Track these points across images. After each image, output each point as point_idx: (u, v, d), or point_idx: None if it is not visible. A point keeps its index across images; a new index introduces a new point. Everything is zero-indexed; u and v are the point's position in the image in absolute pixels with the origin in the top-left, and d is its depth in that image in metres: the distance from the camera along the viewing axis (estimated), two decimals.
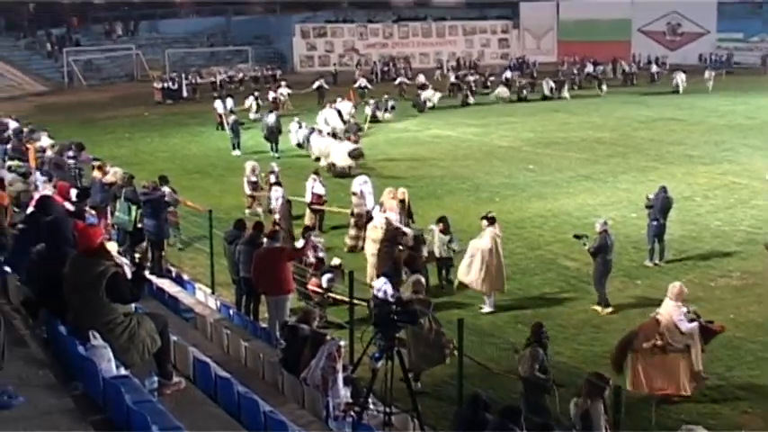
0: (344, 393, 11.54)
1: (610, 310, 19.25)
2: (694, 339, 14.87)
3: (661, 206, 22.78)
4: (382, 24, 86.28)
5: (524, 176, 33.27)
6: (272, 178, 27.32)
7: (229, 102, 47.44)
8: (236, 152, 38.72)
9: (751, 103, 53.75)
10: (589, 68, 67.94)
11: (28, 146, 29.25)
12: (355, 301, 16.20)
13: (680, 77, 60.92)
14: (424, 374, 15.48)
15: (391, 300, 15.37)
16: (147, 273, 12.08)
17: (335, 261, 20.34)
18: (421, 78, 61.92)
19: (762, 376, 15.90)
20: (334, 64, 76.64)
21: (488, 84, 60.81)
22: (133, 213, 20.71)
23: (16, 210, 15.64)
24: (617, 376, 14.28)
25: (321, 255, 20.73)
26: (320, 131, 37.58)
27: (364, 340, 11.94)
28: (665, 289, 20.43)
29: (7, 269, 10.93)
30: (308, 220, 25.48)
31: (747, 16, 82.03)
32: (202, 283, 19.84)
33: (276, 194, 25.49)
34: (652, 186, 25.07)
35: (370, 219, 23.22)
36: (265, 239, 17.52)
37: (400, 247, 20.19)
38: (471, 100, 56.64)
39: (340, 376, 11.35)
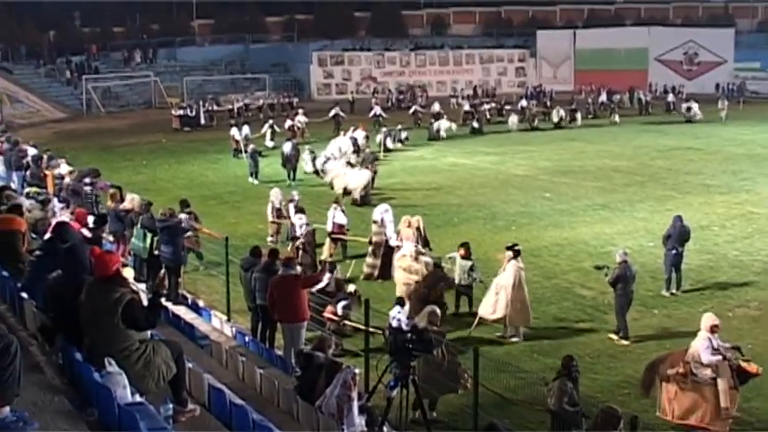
0: (359, 422, 11.50)
1: (626, 343, 19.14)
2: (720, 373, 14.69)
3: (678, 235, 22.71)
4: (399, 53, 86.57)
5: (541, 205, 33.23)
6: (292, 207, 27.18)
7: (246, 129, 47.53)
8: (254, 180, 38.75)
9: None
10: (603, 97, 67.80)
11: (46, 172, 29.39)
12: (371, 329, 16.20)
13: (695, 107, 60.86)
14: (440, 403, 15.42)
15: (407, 328, 15.36)
16: (163, 300, 12.09)
17: (351, 288, 20.32)
18: (436, 107, 61.95)
19: None
20: (352, 92, 76.75)
21: (504, 112, 60.74)
22: (148, 241, 20.75)
23: (34, 236, 15.66)
24: (645, 398, 14.24)
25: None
26: (348, 162, 37.56)
27: (379, 368, 11.92)
28: (681, 319, 20.52)
29: (24, 295, 10.95)
30: (327, 250, 25.40)
31: (765, 46, 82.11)
32: (218, 310, 19.86)
33: (300, 221, 25.37)
34: (669, 216, 25.01)
35: (389, 247, 23.25)
36: (281, 267, 17.51)
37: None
38: (476, 125, 56.57)
39: (355, 404, 11.32)
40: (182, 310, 18.30)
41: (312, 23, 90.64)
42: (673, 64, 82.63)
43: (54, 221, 16.42)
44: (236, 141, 46.39)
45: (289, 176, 38.48)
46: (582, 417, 13.28)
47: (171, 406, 9.00)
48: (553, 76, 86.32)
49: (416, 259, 20.37)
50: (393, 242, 23.30)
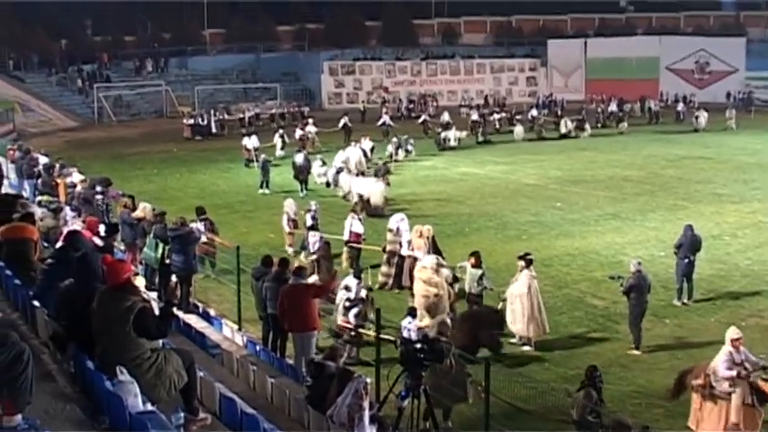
0: (370, 431, 11.48)
1: (638, 353, 19.12)
2: (735, 388, 14.60)
3: (690, 244, 22.68)
4: (410, 62, 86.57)
5: (551, 214, 33.20)
6: (309, 217, 27.17)
7: (254, 139, 47.56)
8: (265, 190, 38.75)
9: None
10: (612, 107, 67.63)
11: (58, 181, 29.47)
12: (384, 338, 16.19)
13: (703, 116, 60.77)
14: (453, 413, 15.37)
15: (417, 338, 15.35)
16: (175, 309, 12.10)
17: (362, 293, 20.22)
18: (445, 117, 61.81)
19: None
20: (363, 101, 76.76)
21: (514, 122, 60.56)
22: (160, 250, 20.78)
23: (46, 245, 15.71)
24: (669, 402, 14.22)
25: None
26: (349, 170, 37.58)
27: (390, 378, 11.91)
28: (693, 328, 20.48)
29: (36, 303, 10.96)
30: (345, 259, 25.38)
31: None
32: (229, 319, 19.86)
33: (314, 239, 25.34)
34: (680, 225, 24.97)
35: (402, 257, 23.20)
36: (291, 276, 17.52)
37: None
38: (481, 138, 56.54)
39: (366, 414, 11.30)
40: (193, 319, 18.32)
41: (323, 33, 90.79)
42: (684, 73, 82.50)
43: (66, 230, 16.47)
44: (248, 151, 46.45)
45: (301, 188, 38.24)
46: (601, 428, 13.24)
47: (182, 415, 9.00)
48: (564, 85, 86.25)
49: (437, 272, 20.25)
50: (404, 251, 23.27)
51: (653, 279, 22.85)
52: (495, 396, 13.89)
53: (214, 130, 63.89)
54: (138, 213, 23.29)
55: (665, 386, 17.01)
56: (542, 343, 19.86)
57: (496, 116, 64.33)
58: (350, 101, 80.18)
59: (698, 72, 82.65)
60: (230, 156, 49.37)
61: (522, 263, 20.19)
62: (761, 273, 25.19)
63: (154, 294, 19.33)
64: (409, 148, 49.29)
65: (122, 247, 22.66)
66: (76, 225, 19.07)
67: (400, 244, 23.79)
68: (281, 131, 51.36)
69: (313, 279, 19.44)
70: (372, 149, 46.09)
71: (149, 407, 8.43)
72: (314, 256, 23.68)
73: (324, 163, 40.08)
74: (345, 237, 25.89)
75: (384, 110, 64.82)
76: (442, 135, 53.74)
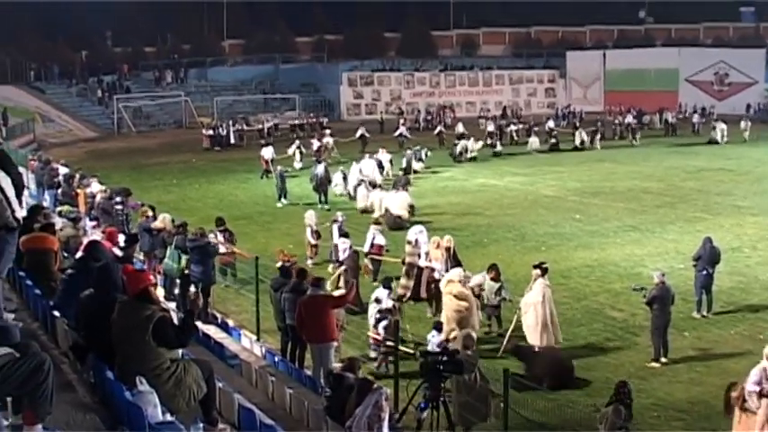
0: None
1: (657, 365, 19.02)
2: (760, 403, 14.45)
3: (708, 257, 22.59)
4: (429, 73, 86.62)
5: (570, 226, 33.11)
6: (335, 228, 27.13)
7: (270, 150, 47.65)
8: (283, 201, 38.69)
9: None
10: (629, 119, 67.42)
11: (78, 191, 29.61)
12: (404, 350, 16.19)
13: (720, 128, 60.57)
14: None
15: (437, 350, 15.34)
16: (196, 320, 12.13)
17: (389, 304, 20.10)
18: (459, 128, 61.69)
19: None
20: (381, 112, 76.84)
21: (531, 133, 60.31)
22: (183, 262, 20.84)
23: (66, 255, 15.76)
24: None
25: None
26: (371, 183, 37.48)
27: (410, 389, 11.91)
28: (712, 341, 20.39)
29: (56, 313, 11.01)
30: (364, 270, 25.33)
31: None
32: (248, 330, 19.89)
33: (344, 245, 25.32)
34: (700, 237, 24.87)
35: (420, 269, 23.12)
36: (310, 287, 17.51)
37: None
38: (497, 149, 56.22)
39: (386, 425, 11.29)
40: (211, 330, 18.35)
41: (342, 44, 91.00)
42: (703, 85, 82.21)
43: (86, 240, 16.54)
44: (266, 162, 46.53)
45: (320, 199, 37.99)
46: None
47: (201, 425, 9.01)
48: (583, 96, 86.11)
49: (464, 284, 20.17)
50: (422, 263, 23.23)
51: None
52: (512, 410, 13.82)
53: (233, 141, 64.14)
54: (157, 224, 23.35)
55: (685, 399, 16.98)
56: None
57: (513, 127, 64.21)
58: (368, 112, 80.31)
59: (717, 84, 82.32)
60: (249, 166, 49.47)
61: (537, 272, 20.17)
62: None
63: (173, 305, 19.40)
64: (423, 157, 48.94)
65: (142, 258, 22.72)
66: (96, 235, 19.15)
67: (419, 256, 23.74)
68: (297, 142, 51.35)
69: (338, 293, 19.32)
70: (391, 162, 46.03)
71: (169, 417, 8.45)
72: (342, 268, 23.56)
73: (345, 176, 40.01)
74: (366, 248, 25.86)
75: (401, 121, 64.91)
76: (459, 146, 53.34)
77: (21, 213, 9.75)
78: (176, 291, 21.33)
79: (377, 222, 27.55)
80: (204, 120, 70.47)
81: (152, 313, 8.92)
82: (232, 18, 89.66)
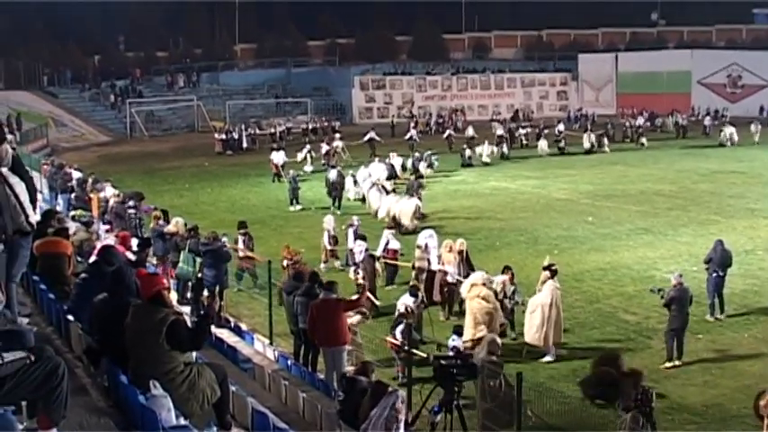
0: None
1: (669, 365, 18.97)
2: None
3: (719, 259, 22.54)
4: (441, 76, 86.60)
5: (583, 229, 33.06)
6: (351, 232, 27.11)
7: (281, 154, 47.73)
8: (295, 207, 38.56)
9: None
10: (639, 121, 67.18)
11: (91, 195, 29.71)
12: (416, 354, 16.17)
13: (728, 131, 60.41)
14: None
15: (451, 353, 15.30)
16: (211, 323, 12.16)
17: (401, 308, 20.04)
18: (470, 131, 61.51)
19: None
20: (393, 116, 76.88)
21: (541, 136, 60.17)
22: (197, 266, 20.88)
23: (79, 259, 15.82)
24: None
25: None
26: (383, 187, 37.38)
27: (423, 393, 11.91)
28: (726, 344, 20.33)
29: (70, 317, 11.04)
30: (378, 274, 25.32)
31: None
32: (261, 334, 19.90)
33: (360, 248, 25.32)
34: (712, 240, 24.82)
35: (431, 272, 23.07)
36: (322, 291, 17.50)
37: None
38: (504, 150, 55.91)
39: (402, 427, 11.27)
40: (224, 334, 18.36)
41: (354, 47, 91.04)
42: (716, 87, 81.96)
43: (99, 244, 16.58)
44: (276, 166, 46.61)
45: (334, 204, 37.88)
46: None
47: (215, 429, 9.04)
48: (595, 99, 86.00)
49: (488, 286, 20.06)
50: (435, 266, 23.19)
51: None
52: (531, 414, 13.81)
53: (245, 145, 64.22)
54: (170, 228, 23.40)
55: (699, 402, 16.93)
56: (574, 357, 19.78)
57: (522, 131, 64.13)
58: (381, 115, 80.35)
59: (730, 86, 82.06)
60: (261, 170, 49.51)
61: (546, 273, 20.19)
62: None
63: (186, 309, 19.43)
64: (434, 162, 48.60)
65: (155, 262, 22.77)
66: (109, 239, 19.21)
67: (429, 261, 23.71)
68: (308, 147, 51.37)
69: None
70: (404, 166, 45.99)
71: (182, 421, 8.46)
72: (359, 274, 23.50)
73: (355, 180, 39.99)
74: (379, 252, 25.86)
75: (412, 124, 64.88)
76: (467, 152, 52.93)
77: (35, 218, 9.78)
78: (189, 295, 21.38)
79: (390, 227, 27.55)
80: (216, 124, 70.59)
81: (165, 316, 8.94)
82: (244, 22, 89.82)
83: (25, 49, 74.92)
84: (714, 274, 22.35)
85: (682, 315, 19.42)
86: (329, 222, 28.30)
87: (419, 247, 24.52)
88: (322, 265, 26.98)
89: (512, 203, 39.20)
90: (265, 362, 16.49)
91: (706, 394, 17.47)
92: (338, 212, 35.66)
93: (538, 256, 28.14)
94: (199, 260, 20.91)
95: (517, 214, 36.54)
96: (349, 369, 15.42)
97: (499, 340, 16.20)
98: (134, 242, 19.91)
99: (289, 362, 17.24)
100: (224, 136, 63.54)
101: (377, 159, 43.83)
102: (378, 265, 25.16)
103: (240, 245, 24.98)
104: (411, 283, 22.59)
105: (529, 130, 64.79)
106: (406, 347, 17.49)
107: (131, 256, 16.58)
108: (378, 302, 21.94)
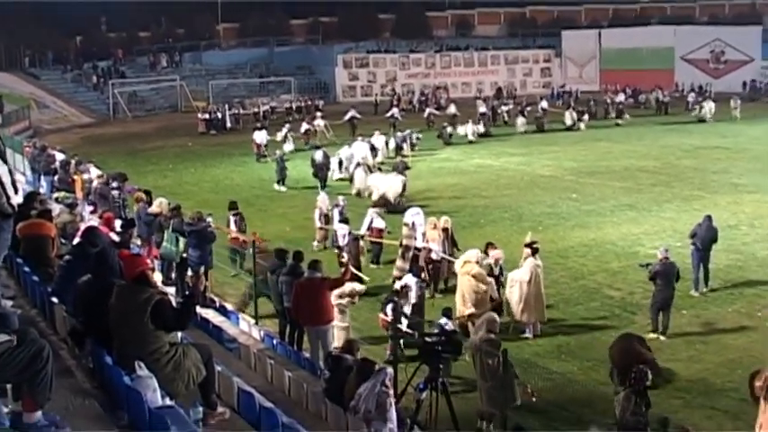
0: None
1: (651, 336, 18.96)
2: None
3: (704, 235, 22.64)
4: (424, 54, 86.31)
5: (567, 205, 33.14)
6: (336, 212, 27.10)
7: (264, 134, 47.69)
8: (281, 187, 38.45)
9: None
10: (621, 98, 67.22)
11: (75, 177, 29.59)
12: (402, 330, 16.20)
13: (707, 107, 60.53)
14: (467, 404, 15.32)
15: (436, 330, 15.33)
16: (197, 303, 12.14)
17: (396, 286, 20.07)
18: (452, 109, 61.22)
19: None
20: (376, 94, 76.72)
21: (525, 113, 59.82)
22: (181, 245, 20.82)
23: (63, 241, 15.77)
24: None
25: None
26: (368, 167, 37.23)
27: (409, 371, 11.94)
28: (710, 319, 20.45)
29: (54, 299, 11.01)
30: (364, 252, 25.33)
31: None
32: (246, 313, 19.90)
33: (342, 231, 25.33)
34: (697, 215, 24.95)
35: (418, 250, 23.05)
36: (306, 269, 17.50)
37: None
38: (482, 129, 55.40)
39: (393, 402, 11.31)
40: (210, 314, 18.37)
41: (337, 26, 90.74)
42: (699, 63, 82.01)
43: (83, 226, 16.52)
44: (258, 146, 46.57)
45: (320, 186, 37.44)
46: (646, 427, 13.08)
47: (201, 409, 9.02)
48: (579, 76, 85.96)
49: (481, 264, 20.07)
50: (420, 244, 23.21)
51: None
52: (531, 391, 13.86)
53: (229, 125, 64.05)
54: (154, 208, 23.30)
55: (684, 377, 17.03)
56: (558, 333, 19.89)
57: (504, 108, 64.03)
58: (364, 94, 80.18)
59: (713, 62, 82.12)
60: (245, 150, 49.32)
61: (527, 251, 20.25)
62: None
63: (171, 289, 19.42)
64: (415, 141, 48.07)
65: (138, 243, 22.71)
66: (93, 221, 19.14)
67: (416, 238, 23.73)
68: (287, 126, 51.11)
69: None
70: (387, 144, 45.86)
71: (168, 401, 8.46)
72: (343, 254, 23.42)
73: (340, 161, 39.86)
74: (363, 231, 25.88)
75: (394, 102, 64.69)
76: (448, 129, 52.71)
77: (16, 200, 9.72)
78: (173, 275, 21.36)
79: (375, 205, 27.53)
80: (199, 104, 70.33)
81: (150, 296, 8.92)
82: (226, 1, 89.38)
83: (6, 30, 74.36)
84: (695, 249, 22.50)
85: (667, 289, 19.53)
86: (323, 201, 28.27)
87: (406, 224, 24.53)
88: (315, 243, 27.00)
89: (496, 181, 39.23)
90: (251, 341, 16.51)
91: (691, 369, 17.57)
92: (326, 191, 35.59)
93: (522, 233, 28.08)
94: (182, 239, 20.84)
95: (501, 191, 36.58)
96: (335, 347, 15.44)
97: (497, 318, 16.25)
98: (117, 223, 19.86)
99: (274, 341, 17.27)
100: (207, 116, 63.37)
101: (359, 138, 43.60)
102: (362, 244, 25.20)
103: (232, 226, 24.77)
104: (397, 262, 22.67)
105: (511, 107, 64.70)
106: (396, 327, 17.55)
107: (115, 237, 16.53)
108: (366, 279, 21.76)
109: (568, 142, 51.21)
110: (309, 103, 72.39)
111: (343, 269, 17.45)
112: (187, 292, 15.77)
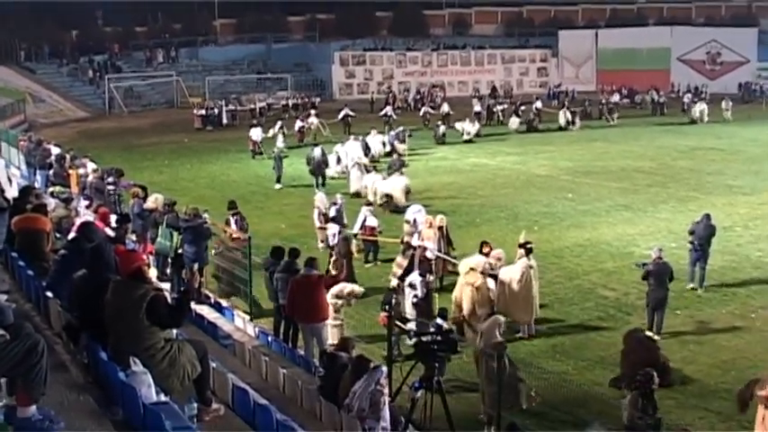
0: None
1: (648, 334, 18.92)
2: None
3: (702, 233, 22.74)
4: (421, 53, 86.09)
5: (563, 205, 33.17)
6: (334, 210, 26.78)
7: (259, 131, 47.64)
8: (278, 185, 38.20)
9: None
10: (615, 98, 67.13)
11: (70, 171, 29.55)
12: (400, 327, 16.21)
13: (698, 108, 60.57)
14: (464, 403, 15.32)
15: (432, 329, 15.32)
16: (192, 300, 12.12)
17: (393, 283, 20.05)
18: (445, 108, 60.93)
19: None
20: (372, 92, 76.61)
21: (519, 113, 59.52)
22: (175, 240, 20.80)
23: (58, 235, 15.74)
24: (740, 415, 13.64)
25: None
26: (364, 166, 37.07)
27: (404, 370, 11.94)
28: (704, 319, 20.48)
29: (49, 294, 11.00)
30: (356, 250, 25.20)
31: None
32: (241, 310, 19.89)
33: (332, 230, 25.26)
34: (692, 216, 24.99)
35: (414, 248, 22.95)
36: (302, 267, 17.50)
37: None
38: (477, 128, 54.62)
39: (387, 401, 11.32)
40: (205, 310, 18.36)
41: (334, 23, 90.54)
42: (695, 64, 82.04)
43: (78, 220, 16.51)
44: (254, 143, 46.52)
45: (317, 183, 37.20)
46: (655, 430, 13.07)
47: (195, 405, 9.04)
48: (575, 76, 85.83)
49: (486, 275, 19.97)
50: (415, 242, 23.18)
51: None
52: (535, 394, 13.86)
53: (225, 121, 63.99)
54: (149, 204, 23.27)
55: (678, 377, 17.04)
56: (553, 333, 19.91)
57: (499, 107, 63.93)
58: (361, 91, 79.96)
59: (709, 63, 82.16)
60: (241, 146, 49.21)
61: (521, 251, 20.23)
62: None
63: (166, 285, 19.40)
64: (404, 139, 46.94)
65: (134, 238, 22.68)
66: (88, 216, 19.13)
67: (418, 235, 23.71)
68: (280, 123, 50.67)
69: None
70: (384, 143, 45.65)
71: (162, 397, 8.46)
72: (334, 252, 23.37)
73: (339, 159, 39.67)
74: (355, 230, 25.86)
75: (388, 100, 64.62)
76: (441, 128, 52.35)
77: (11, 194, 9.72)
78: (168, 270, 21.34)
79: (369, 203, 27.49)
80: (195, 100, 70.20)
81: (145, 292, 8.92)
82: None
83: (2, 24, 74.20)
84: (694, 249, 22.61)
85: (659, 290, 19.61)
86: (321, 200, 28.10)
87: (408, 222, 24.55)
88: (320, 245, 26.68)
89: (492, 180, 39.24)
90: (246, 338, 16.51)
91: (685, 370, 17.59)
92: (320, 190, 35.44)
93: (518, 232, 27.96)
94: (176, 235, 20.80)
95: (497, 191, 36.59)
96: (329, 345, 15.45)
97: (503, 319, 16.23)
98: (113, 218, 19.85)
99: (269, 338, 17.27)
100: (203, 112, 63.33)
101: (352, 137, 43.42)
102: (353, 244, 25.10)
103: (233, 225, 24.33)
104: (397, 258, 22.65)
105: (506, 106, 64.60)
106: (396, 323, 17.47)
107: (110, 233, 16.52)
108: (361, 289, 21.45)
109: (564, 142, 51.23)
110: (306, 100, 72.20)
111: (337, 269, 17.47)
112: (182, 289, 15.75)
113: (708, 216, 23.23)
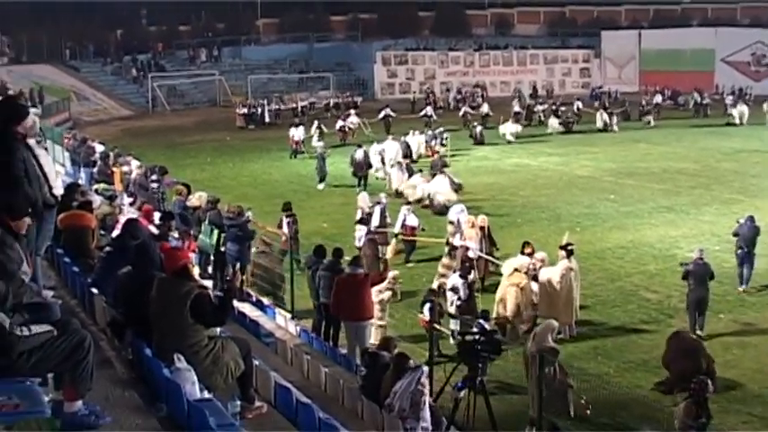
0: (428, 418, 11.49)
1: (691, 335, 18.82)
2: None
3: (746, 235, 22.61)
4: (463, 52, 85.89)
5: (605, 207, 32.98)
6: (378, 209, 26.29)
7: (301, 130, 47.70)
8: (321, 186, 38.06)
9: None
10: (657, 99, 66.66)
11: (114, 169, 29.79)
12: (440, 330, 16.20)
13: (739, 110, 59.87)
14: (505, 403, 15.26)
15: (475, 330, 15.28)
16: (234, 298, 12.18)
17: (434, 284, 20.08)
18: (484, 108, 60.59)
19: None
20: (414, 92, 76.51)
21: (559, 113, 59.20)
22: (215, 237, 20.88)
23: (102, 233, 15.88)
24: None
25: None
26: (406, 166, 36.98)
27: (447, 370, 11.93)
28: (748, 323, 20.31)
29: (94, 291, 11.10)
30: (391, 250, 25.24)
31: None
32: (282, 308, 19.94)
33: (359, 233, 25.22)
34: (735, 219, 24.73)
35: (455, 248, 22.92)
36: (348, 266, 17.54)
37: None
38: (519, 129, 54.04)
39: (428, 400, 11.31)
40: (247, 308, 18.42)
41: (376, 23, 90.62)
42: (740, 65, 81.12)
43: (122, 218, 16.64)
44: (296, 143, 46.63)
45: (359, 184, 36.92)
46: None
47: (239, 403, 9.07)
48: (618, 76, 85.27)
49: (531, 276, 19.97)
50: (457, 242, 23.14)
51: None
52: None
53: (268, 120, 64.19)
54: (193, 202, 23.41)
55: (720, 382, 16.86)
56: (595, 334, 19.81)
57: (540, 107, 63.53)
58: (402, 91, 79.87)
59: (754, 64, 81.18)
60: (283, 145, 49.25)
61: (562, 252, 20.18)
62: None
63: (209, 283, 19.47)
64: (443, 141, 46.64)
65: (176, 236, 22.80)
66: (132, 213, 19.28)
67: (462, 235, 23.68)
68: (316, 122, 50.84)
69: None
70: (427, 142, 45.49)
71: (206, 395, 8.52)
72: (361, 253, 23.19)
73: (383, 159, 39.54)
74: (396, 229, 25.85)
75: (427, 100, 64.49)
76: (478, 129, 52.19)
77: (58, 191, 9.80)
78: (210, 269, 21.42)
79: (408, 203, 27.46)
80: (237, 98, 70.53)
81: (190, 290, 8.99)
82: None
83: (48, 23, 74.94)
84: (739, 250, 22.50)
85: (699, 289, 19.56)
86: (363, 200, 27.98)
87: (451, 222, 24.50)
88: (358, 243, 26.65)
89: (534, 180, 39.09)
90: (287, 336, 16.56)
91: (727, 374, 17.39)
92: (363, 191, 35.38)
93: (560, 233, 27.95)
94: (217, 232, 20.84)
95: (539, 191, 36.44)
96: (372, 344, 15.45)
97: (556, 325, 16.17)
98: (156, 216, 19.97)
99: (310, 336, 17.30)
100: (246, 110, 63.59)
101: (390, 137, 43.35)
102: (392, 245, 25.14)
103: (285, 228, 24.17)
104: (443, 259, 22.62)
105: (546, 106, 64.13)
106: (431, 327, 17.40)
107: (154, 230, 16.64)
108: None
109: (607, 143, 50.91)
110: (348, 99, 72.28)
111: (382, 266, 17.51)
112: (225, 287, 15.82)
113: (751, 218, 23.08)
